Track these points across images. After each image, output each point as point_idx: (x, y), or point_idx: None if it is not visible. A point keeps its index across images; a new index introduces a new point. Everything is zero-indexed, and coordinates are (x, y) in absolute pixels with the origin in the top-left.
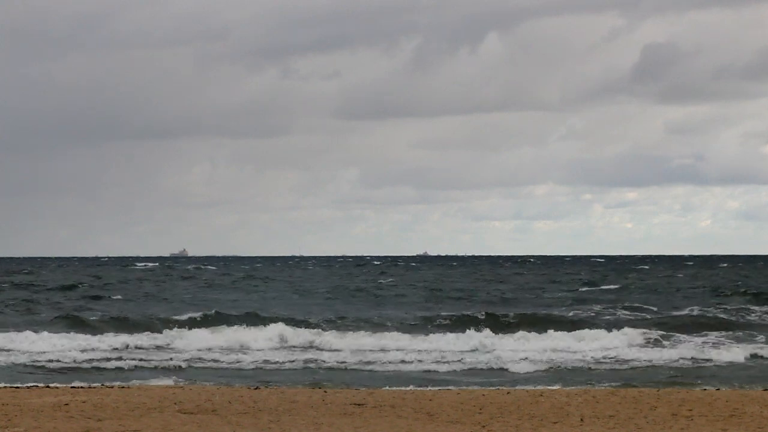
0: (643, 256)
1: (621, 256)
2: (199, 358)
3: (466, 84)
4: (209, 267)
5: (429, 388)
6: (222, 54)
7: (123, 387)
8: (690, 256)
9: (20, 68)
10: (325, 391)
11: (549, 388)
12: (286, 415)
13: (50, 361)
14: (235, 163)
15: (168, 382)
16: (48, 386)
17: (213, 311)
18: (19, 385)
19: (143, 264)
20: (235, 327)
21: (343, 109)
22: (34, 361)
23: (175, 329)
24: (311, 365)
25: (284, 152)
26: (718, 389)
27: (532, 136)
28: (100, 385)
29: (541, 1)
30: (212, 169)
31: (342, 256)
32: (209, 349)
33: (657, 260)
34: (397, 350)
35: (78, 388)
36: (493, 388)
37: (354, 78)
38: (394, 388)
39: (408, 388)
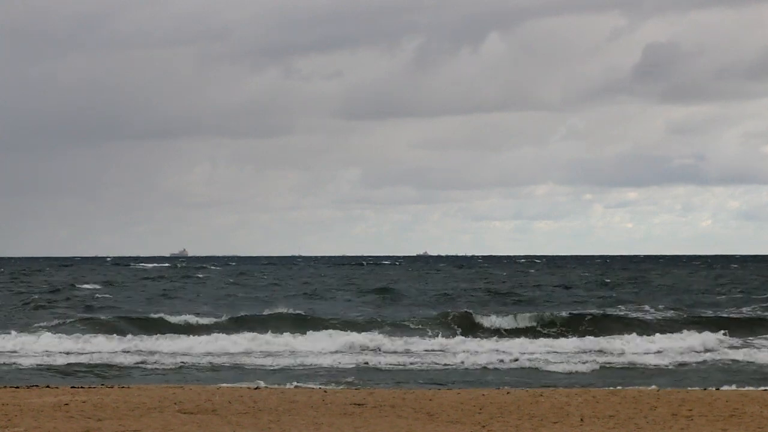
0: (645, 255)
1: (624, 256)
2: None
3: (467, 84)
4: (215, 267)
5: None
6: (223, 54)
7: (123, 387)
8: (694, 255)
9: (21, 68)
10: (325, 391)
11: (550, 388)
12: (286, 415)
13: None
14: (236, 163)
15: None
16: (48, 386)
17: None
18: (18, 385)
19: (152, 264)
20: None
21: (343, 109)
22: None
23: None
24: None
25: (285, 152)
26: (718, 389)
27: (532, 136)
28: (100, 385)
29: (542, 1)
30: (212, 169)
31: (342, 256)
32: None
33: (663, 260)
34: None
35: (78, 388)
36: (493, 389)
37: (355, 78)
38: (395, 388)
39: (408, 389)
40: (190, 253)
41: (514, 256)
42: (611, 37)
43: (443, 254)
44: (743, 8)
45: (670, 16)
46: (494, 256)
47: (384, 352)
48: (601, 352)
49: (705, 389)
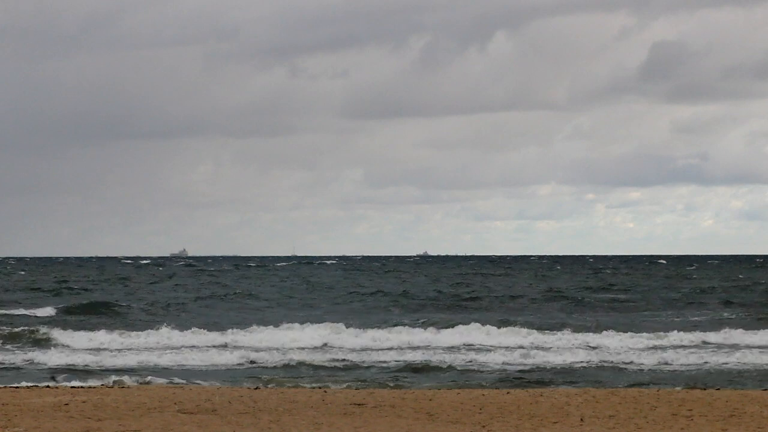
0: (651, 255)
1: (636, 256)
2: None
3: (474, 83)
4: (207, 268)
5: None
6: (230, 53)
7: (123, 387)
8: (701, 255)
9: (25, 68)
10: (325, 391)
11: (549, 388)
12: (286, 415)
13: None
14: (239, 163)
15: None
16: (48, 386)
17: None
18: (18, 385)
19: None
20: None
21: (349, 109)
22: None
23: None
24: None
25: (289, 152)
26: (718, 389)
27: (537, 135)
28: (99, 385)
29: (550, 1)
30: (216, 169)
31: (341, 256)
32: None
33: (678, 260)
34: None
35: (78, 388)
36: (494, 388)
37: (361, 77)
38: (395, 389)
39: (409, 389)
40: (190, 253)
41: (515, 256)
42: (619, 36)
43: (443, 254)
44: (753, 7)
45: (678, 14)
46: (496, 256)
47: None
48: None
49: (705, 389)
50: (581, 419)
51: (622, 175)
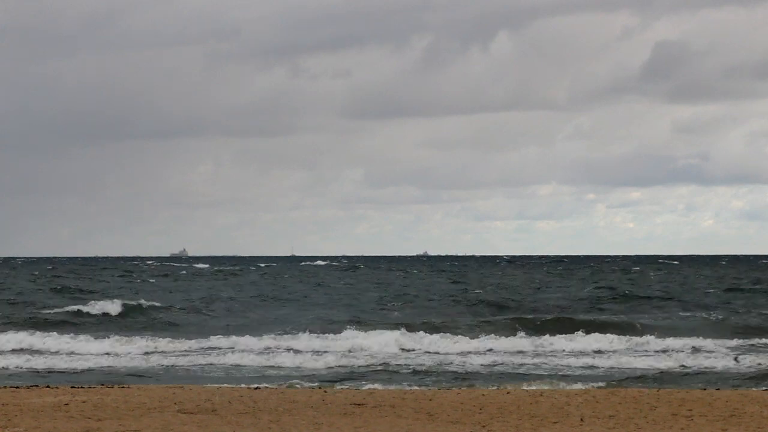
0: (652, 255)
1: (652, 255)
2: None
3: (475, 83)
4: (214, 267)
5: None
6: (230, 53)
7: (123, 387)
8: (702, 256)
9: (26, 68)
10: (325, 391)
11: (549, 388)
12: (286, 415)
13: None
14: (240, 163)
15: None
16: (48, 386)
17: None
18: (18, 385)
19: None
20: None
21: (350, 109)
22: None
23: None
24: None
25: (289, 152)
26: (718, 389)
27: (538, 135)
28: (99, 385)
29: (552, 0)
30: (216, 169)
31: (341, 256)
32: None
33: (685, 260)
34: None
35: (78, 388)
36: (494, 387)
37: (362, 77)
38: (394, 388)
39: (408, 388)
40: (190, 253)
41: (514, 256)
42: (621, 36)
43: (443, 254)
44: (754, 7)
45: (680, 14)
46: (500, 256)
47: None
48: None
49: (705, 389)
50: (581, 419)
51: (622, 175)
